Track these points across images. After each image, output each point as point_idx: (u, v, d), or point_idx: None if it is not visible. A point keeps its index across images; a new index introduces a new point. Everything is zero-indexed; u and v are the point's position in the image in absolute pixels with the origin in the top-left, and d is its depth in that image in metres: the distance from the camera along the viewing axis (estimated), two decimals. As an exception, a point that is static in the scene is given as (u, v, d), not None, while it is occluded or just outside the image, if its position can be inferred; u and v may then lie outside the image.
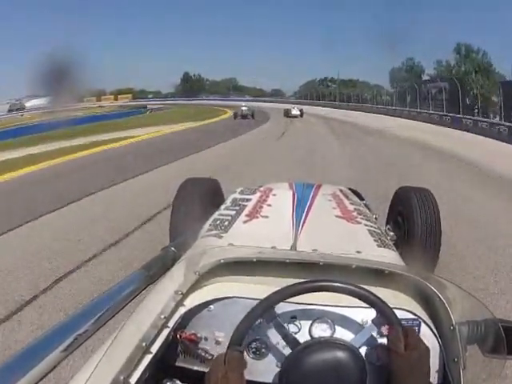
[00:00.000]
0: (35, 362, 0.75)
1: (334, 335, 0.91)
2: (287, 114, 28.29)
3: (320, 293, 0.85)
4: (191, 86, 76.67)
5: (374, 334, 0.89)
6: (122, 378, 0.74)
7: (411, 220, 2.48)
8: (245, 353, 0.86)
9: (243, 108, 27.98)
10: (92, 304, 1.02)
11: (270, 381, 0.88)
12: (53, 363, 0.79)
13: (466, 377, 0.83)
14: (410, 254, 2.15)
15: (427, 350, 0.81)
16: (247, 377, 0.80)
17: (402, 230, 2.60)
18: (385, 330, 0.84)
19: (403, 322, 0.84)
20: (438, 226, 2.47)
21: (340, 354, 0.78)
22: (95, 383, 0.69)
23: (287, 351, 0.86)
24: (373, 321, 0.88)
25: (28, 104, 46.41)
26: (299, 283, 0.84)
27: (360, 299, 0.84)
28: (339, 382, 0.76)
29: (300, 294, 0.84)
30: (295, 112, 28.54)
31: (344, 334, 0.90)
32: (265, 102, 51.07)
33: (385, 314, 0.83)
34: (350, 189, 2.63)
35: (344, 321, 0.93)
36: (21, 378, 0.71)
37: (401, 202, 2.70)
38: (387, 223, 2.82)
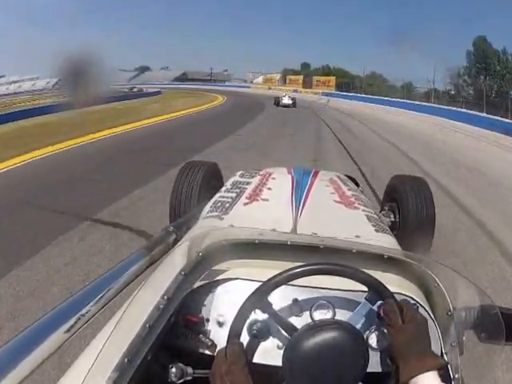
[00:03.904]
0: (38, 343, 0.74)
1: (335, 318, 0.92)
2: (277, 103, 24.64)
3: (321, 276, 0.85)
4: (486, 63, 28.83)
5: (374, 314, 0.90)
6: (126, 360, 0.73)
7: (405, 206, 2.52)
8: (247, 335, 0.87)
9: None
10: (94, 285, 1.01)
11: (273, 363, 0.89)
12: (56, 344, 0.78)
13: (464, 362, 0.84)
14: (404, 239, 2.19)
15: (425, 320, 0.82)
16: (250, 359, 0.81)
17: (397, 216, 2.64)
18: (381, 306, 0.85)
19: None
20: (432, 212, 2.51)
21: (341, 336, 0.79)
22: (100, 366, 0.69)
23: (289, 334, 0.87)
24: (370, 300, 0.88)
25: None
26: (289, 269, 0.84)
27: (349, 277, 0.84)
28: (341, 363, 0.77)
29: (291, 279, 0.83)
30: (286, 101, 24.71)
31: (345, 317, 0.91)
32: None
33: (377, 290, 0.84)
34: (346, 175, 2.66)
35: (344, 304, 0.94)
36: (24, 358, 0.71)
37: (395, 190, 2.74)
38: (381, 209, 2.86)
